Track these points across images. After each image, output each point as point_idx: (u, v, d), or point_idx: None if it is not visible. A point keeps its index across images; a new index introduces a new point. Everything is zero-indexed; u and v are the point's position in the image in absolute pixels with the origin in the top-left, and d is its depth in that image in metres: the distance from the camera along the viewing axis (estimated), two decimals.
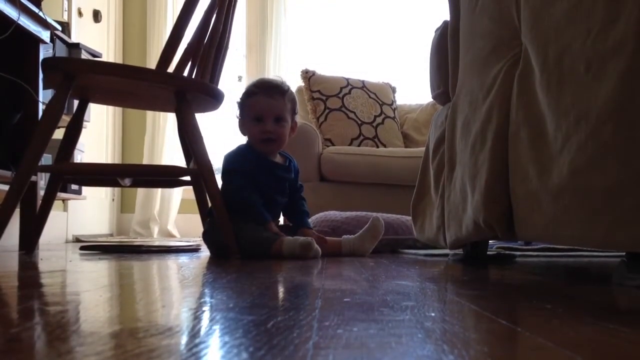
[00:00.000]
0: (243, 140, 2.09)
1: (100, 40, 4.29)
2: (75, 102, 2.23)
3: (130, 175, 2.23)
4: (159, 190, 4.61)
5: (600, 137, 0.97)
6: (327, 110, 3.67)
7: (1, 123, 2.39)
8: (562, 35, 1.09)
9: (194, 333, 0.58)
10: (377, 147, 3.61)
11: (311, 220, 2.23)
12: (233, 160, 2.01)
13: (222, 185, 2.01)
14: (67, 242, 3.57)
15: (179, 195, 4.66)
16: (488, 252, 1.83)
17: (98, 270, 1.38)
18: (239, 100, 2.06)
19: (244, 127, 2.05)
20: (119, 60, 4.66)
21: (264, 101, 1.98)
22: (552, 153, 1.10)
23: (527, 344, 0.55)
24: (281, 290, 0.99)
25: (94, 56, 3.32)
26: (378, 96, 3.79)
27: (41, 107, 2.38)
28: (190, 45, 2.02)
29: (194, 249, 2.27)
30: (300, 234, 1.99)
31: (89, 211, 4.08)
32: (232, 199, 1.94)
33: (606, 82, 0.96)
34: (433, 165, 1.82)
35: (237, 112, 2.07)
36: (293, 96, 2.06)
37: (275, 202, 2.04)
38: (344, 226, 2.27)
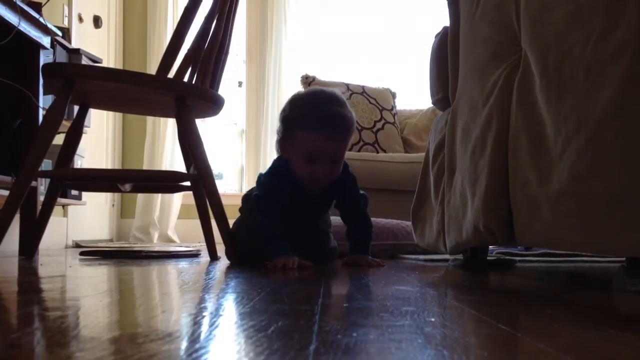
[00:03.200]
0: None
1: (100, 46, 4.29)
2: (76, 108, 2.23)
3: (130, 181, 2.23)
4: (159, 195, 4.60)
5: (600, 143, 0.97)
6: None
7: (1, 128, 2.39)
8: (562, 41, 1.10)
9: (194, 338, 0.58)
10: (377, 152, 3.61)
11: None
12: (265, 181, 1.74)
13: (252, 199, 1.76)
14: (67, 247, 3.57)
15: (179, 200, 4.66)
16: (488, 258, 1.83)
17: (98, 275, 1.38)
18: (285, 113, 1.70)
19: (286, 151, 1.71)
20: (119, 66, 4.66)
21: (323, 145, 1.62)
22: (552, 158, 1.10)
23: (527, 349, 0.55)
24: (281, 295, 0.98)
25: (95, 62, 3.33)
26: (378, 101, 3.79)
27: (41, 112, 2.38)
28: (190, 51, 2.02)
29: (194, 254, 2.27)
30: (352, 258, 1.77)
31: (88, 216, 4.08)
32: (257, 220, 1.69)
33: (606, 87, 0.96)
34: (433, 170, 1.82)
35: (279, 130, 1.73)
36: (353, 118, 1.69)
37: (306, 219, 1.84)
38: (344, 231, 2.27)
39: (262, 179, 1.77)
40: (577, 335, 0.61)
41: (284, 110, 1.71)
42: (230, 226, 1.98)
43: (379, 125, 3.71)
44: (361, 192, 1.83)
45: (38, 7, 2.39)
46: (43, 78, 1.99)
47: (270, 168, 1.77)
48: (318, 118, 1.63)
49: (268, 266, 1.56)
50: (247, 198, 1.89)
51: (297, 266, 1.54)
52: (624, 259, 1.10)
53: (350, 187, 1.79)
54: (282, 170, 1.71)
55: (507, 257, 2.03)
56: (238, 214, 1.98)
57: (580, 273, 1.60)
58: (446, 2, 1.78)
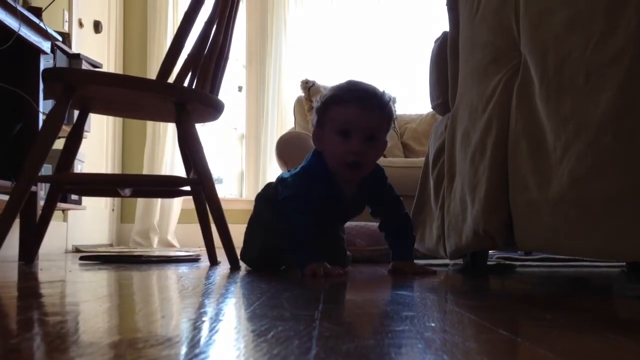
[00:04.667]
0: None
1: (100, 51, 4.30)
2: (76, 113, 2.23)
3: (130, 186, 2.23)
4: (159, 200, 4.60)
5: (600, 147, 0.97)
6: None
7: (1, 133, 2.39)
8: (562, 45, 1.10)
9: (193, 343, 0.57)
10: None
11: None
12: (295, 184, 1.62)
13: (276, 205, 1.63)
14: (66, 252, 3.57)
15: (179, 205, 4.66)
16: (488, 262, 1.83)
17: (98, 280, 1.37)
18: (317, 104, 1.63)
19: (321, 140, 1.61)
20: (119, 71, 4.66)
21: (354, 112, 1.54)
22: (551, 163, 1.11)
23: (527, 354, 0.55)
24: (281, 300, 0.98)
25: (95, 67, 3.33)
26: None
27: (41, 117, 2.38)
28: (190, 56, 2.02)
29: (194, 259, 2.26)
30: (396, 265, 1.64)
31: (88, 221, 4.07)
32: (285, 228, 1.57)
33: (605, 91, 0.96)
34: (433, 175, 1.82)
35: (314, 120, 1.65)
36: (392, 111, 1.62)
37: (333, 223, 1.77)
38: (347, 237, 2.27)
39: (290, 180, 1.65)
40: (578, 340, 0.61)
41: (317, 101, 1.65)
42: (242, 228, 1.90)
43: None
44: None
45: (38, 12, 2.39)
46: (43, 83, 1.99)
47: (302, 167, 1.66)
48: (352, 91, 1.58)
49: (304, 277, 1.44)
50: (260, 198, 1.78)
51: (326, 274, 1.43)
52: (624, 263, 1.10)
53: (387, 194, 1.72)
54: (316, 167, 1.62)
55: (507, 262, 2.02)
56: (238, 219, 1.96)
57: (580, 278, 1.60)
58: (446, 7, 1.79)
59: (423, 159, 2.03)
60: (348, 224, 1.91)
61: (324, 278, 1.39)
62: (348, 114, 1.53)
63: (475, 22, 1.52)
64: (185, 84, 2.02)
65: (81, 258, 2.21)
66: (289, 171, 1.74)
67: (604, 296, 1.09)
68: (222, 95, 2.19)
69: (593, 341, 0.61)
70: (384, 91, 1.60)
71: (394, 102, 3.94)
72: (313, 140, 1.65)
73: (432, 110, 2.45)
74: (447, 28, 1.79)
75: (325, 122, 1.59)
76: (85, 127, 2.29)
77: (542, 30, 1.18)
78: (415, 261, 1.66)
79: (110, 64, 4.50)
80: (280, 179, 1.73)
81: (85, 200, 3.59)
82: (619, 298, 1.02)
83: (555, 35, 1.12)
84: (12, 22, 2.17)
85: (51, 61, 2.80)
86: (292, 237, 1.55)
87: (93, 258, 2.17)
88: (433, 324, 0.70)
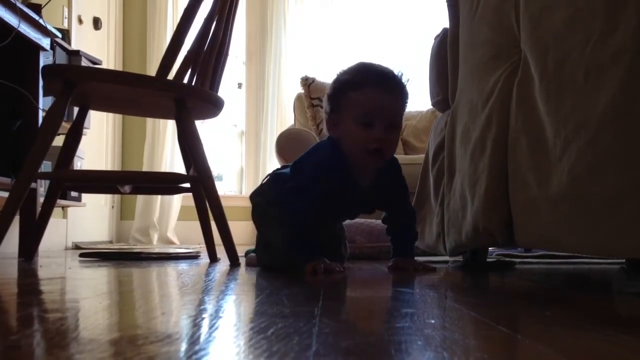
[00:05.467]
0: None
1: (100, 48, 4.29)
2: (75, 109, 2.23)
3: (130, 182, 2.23)
4: (159, 197, 4.60)
5: (600, 145, 0.97)
6: None
7: (1, 130, 2.39)
8: (562, 43, 1.10)
9: (193, 340, 0.58)
10: None
11: None
12: (307, 174, 1.52)
13: (281, 193, 1.55)
14: (66, 249, 3.57)
15: (179, 202, 4.66)
16: (488, 259, 1.83)
17: (97, 277, 1.38)
18: (331, 89, 1.54)
19: (337, 126, 1.51)
20: (119, 68, 4.66)
21: (379, 98, 1.45)
22: (551, 160, 1.10)
23: (527, 351, 0.55)
24: (281, 297, 0.98)
25: (94, 63, 3.33)
26: None
27: (41, 114, 2.38)
28: (190, 53, 2.02)
29: (194, 256, 2.27)
30: (396, 262, 1.61)
31: (88, 218, 4.07)
32: (284, 219, 1.51)
33: (605, 89, 0.96)
34: (433, 172, 1.82)
35: (326, 106, 1.55)
36: (408, 92, 1.54)
37: (340, 218, 1.71)
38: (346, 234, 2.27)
39: (305, 169, 1.55)
40: (577, 336, 0.61)
41: (329, 89, 1.55)
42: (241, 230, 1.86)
43: None
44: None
45: (38, 9, 2.39)
46: (43, 80, 1.99)
47: (318, 155, 1.55)
48: (369, 74, 1.49)
49: (305, 276, 1.38)
50: (259, 199, 1.69)
51: (325, 270, 1.40)
52: (623, 260, 1.10)
53: (400, 189, 1.63)
54: (333, 157, 1.51)
55: (507, 259, 2.02)
56: (238, 216, 1.92)
57: (579, 275, 1.60)
58: (446, 3, 1.79)
59: (423, 155, 2.03)
60: (348, 220, 1.90)
61: (324, 274, 1.38)
62: (368, 100, 1.45)
63: (475, 18, 1.52)
64: (185, 80, 2.02)
65: (81, 255, 2.21)
66: (287, 165, 1.67)
67: (604, 293, 1.10)
68: (221, 92, 2.19)
69: (593, 338, 0.61)
70: (400, 72, 1.52)
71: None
72: (327, 128, 1.55)
73: (431, 107, 2.44)
74: (447, 24, 1.79)
75: (342, 108, 1.49)
76: (85, 124, 2.29)
77: (543, 27, 1.18)
78: (415, 258, 1.64)
79: (109, 60, 4.49)
80: (276, 175, 1.67)
81: (85, 197, 3.59)
82: (619, 295, 1.02)
83: (556, 33, 1.12)
84: (11, 19, 2.17)
85: (51, 58, 2.80)
86: (291, 231, 1.49)
87: (93, 255, 2.18)
88: (433, 321, 0.70)
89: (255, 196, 1.71)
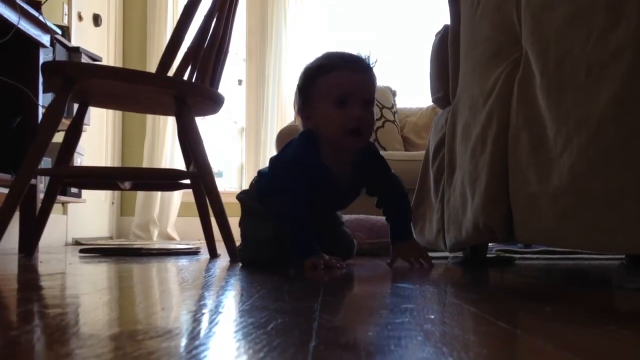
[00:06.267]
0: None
1: (100, 44, 4.29)
2: (75, 106, 2.23)
3: (130, 179, 2.23)
4: (159, 193, 4.60)
5: (601, 142, 0.97)
6: None
7: (1, 127, 2.39)
8: (563, 39, 1.10)
9: (193, 335, 0.58)
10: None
11: None
12: (281, 174, 1.54)
13: (264, 197, 1.57)
14: (66, 245, 3.57)
15: (179, 198, 4.66)
16: (487, 255, 1.83)
17: (97, 273, 1.38)
18: (300, 83, 1.56)
19: (311, 117, 1.53)
20: (119, 64, 4.66)
21: (349, 77, 1.48)
22: (552, 157, 1.10)
23: (526, 346, 0.55)
24: (281, 292, 0.98)
25: (94, 60, 3.33)
26: (378, 100, 3.78)
27: (41, 110, 2.38)
28: (190, 49, 2.02)
29: (194, 252, 2.27)
30: (396, 249, 1.59)
31: (88, 214, 4.08)
32: (276, 227, 1.51)
33: (606, 86, 0.96)
34: (433, 168, 1.82)
35: (297, 100, 1.58)
36: (375, 75, 1.56)
37: (329, 210, 1.69)
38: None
39: (277, 170, 1.57)
40: (577, 332, 0.61)
41: (299, 82, 1.57)
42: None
43: (379, 123, 3.71)
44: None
45: (38, 6, 2.39)
46: (43, 76, 1.99)
47: (290, 154, 1.55)
48: (338, 57, 1.53)
49: (305, 271, 1.36)
50: (245, 198, 1.70)
51: (325, 265, 1.38)
52: (623, 256, 1.10)
53: (383, 166, 1.63)
54: (307, 153, 1.52)
55: (507, 255, 2.02)
56: (237, 212, 1.90)
57: (579, 270, 1.60)
58: (447, 0, 1.78)
59: (423, 152, 2.02)
60: (347, 217, 1.90)
61: (324, 270, 1.37)
62: (341, 80, 1.47)
63: (476, 15, 1.51)
64: (185, 77, 2.01)
65: (81, 251, 2.21)
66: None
67: (604, 289, 1.10)
68: (222, 89, 2.19)
69: (592, 333, 0.61)
70: (368, 54, 1.55)
71: (395, 94, 3.94)
72: (302, 121, 1.57)
73: (432, 103, 2.44)
74: (448, 21, 1.79)
75: (314, 96, 1.51)
76: (85, 120, 2.29)
77: (544, 24, 1.18)
78: None
79: (109, 57, 4.49)
80: (259, 172, 1.67)
81: (85, 193, 3.59)
82: (619, 290, 1.02)
83: (557, 30, 1.12)
84: (11, 16, 2.17)
85: (50, 55, 2.79)
86: (286, 234, 1.48)
87: (93, 251, 2.18)
88: (432, 316, 0.70)
89: (240, 194, 1.73)
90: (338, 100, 1.47)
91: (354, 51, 1.56)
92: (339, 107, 1.47)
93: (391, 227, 1.63)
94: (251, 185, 1.74)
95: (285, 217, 1.48)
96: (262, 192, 1.58)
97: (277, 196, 1.51)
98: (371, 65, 1.54)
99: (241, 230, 1.70)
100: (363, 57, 1.53)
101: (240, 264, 1.66)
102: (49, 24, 2.44)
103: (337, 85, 1.47)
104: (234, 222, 2.07)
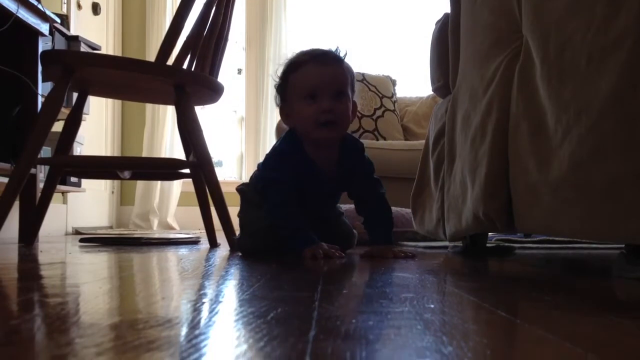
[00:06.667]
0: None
1: (99, 33, 4.27)
2: (75, 95, 2.23)
3: (130, 168, 2.23)
4: (159, 182, 4.60)
5: (601, 130, 0.97)
6: None
7: (0, 116, 2.38)
8: (563, 28, 1.09)
9: (193, 325, 0.58)
10: (377, 139, 3.60)
11: None
12: (271, 167, 1.59)
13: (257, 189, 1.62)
14: (66, 234, 3.58)
15: (179, 187, 4.66)
16: (487, 245, 1.83)
17: (98, 262, 1.38)
18: (278, 81, 1.61)
19: (289, 115, 1.58)
20: (118, 53, 4.64)
21: (316, 71, 1.52)
22: (552, 146, 1.10)
23: (526, 335, 0.55)
24: (281, 282, 0.99)
25: (93, 49, 3.32)
26: (378, 89, 3.78)
27: (40, 100, 2.37)
28: (189, 38, 2.01)
29: (194, 242, 2.27)
30: (372, 249, 1.57)
31: (88, 203, 4.08)
32: (271, 219, 1.55)
33: (607, 75, 0.96)
34: (433, 158, 1.82)
35: (277, 99, 1.62)
36: (351, 68, 1.59)
37: (317, 207, 1.68)
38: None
39: (267, 162, 1.62)
40: (576, 321, 0.61)
41: (276, 82, 1.62)
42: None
43: (379, 112, 3.70)
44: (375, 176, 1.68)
45: None
46: (42, 65, 1.98)
47: (275, 148, 1.63)
48: (305, 53, 1.58)
49: (304, 261, 1.38)
50: (245, 189, 1.73)
51: (325, 255, 1.41)
52: (623, 245, 1.11)
53: (365, 168, 1.66)
54: (290, 147, 1.57)
55: (507, 244, 2.03)
56: (237, 201, 1.92)
57: (579, 260, 1.60)
58: None
59: (423, 141, 2.02)
60: (347, 207, 1.90)
61: (323, 259, 1.38)
62: (309, 75, 1.52)
63: (476, 4, 1.51)
64: (185, 66, 2.01)
65: (81, 240, 2.21)
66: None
67: (603, 278, 1.10)
68: (221, 78, 2.18)
69: (592, 322, 0.61)
70: (337, 47, 1.59)
71: (395, 83, 3.94)
72: (283, 120, 1.62)
73: (432, 92, 2.44)
74: (448, 10, 1.78)
75: (288, 95, 1.57)
76: (84, 110, 2.29)
77: (544, 12, 1.17)
78: (414, 243, 1.65)
79: (109, 46, 4.47)
80: (258, 167, 1.71)
81: (85, 182, 3.59)
82: (618, 280, 1.02)
83: (557, 18, 1.12)
84: (10, 4, 2.16)
85: (49, 43, 2.78)
86: (282, 225, 1.51)
87: (93, 240, 2.18)
88: (432, 306, 0.70)
89: (240, 185, 1.77)
90: (308, 95, 1.52)
91: (329, 46, 1.59)
92: (309, 102, 1.52)
93: (373, 231, 1.63)
94: (251, 178, 1.76)
95: (282, 207, 1.53)
96: (257, 184, 1.62)
97: (269, 187, 1.56)
98: (341, 57, 1.57)
99: (240, 220, 1.73)
100: (331, 50, 1.57)
101: (240, 254, 1.66)
102: (47, 12, 2.43)
103: (306, 80, 1.52)
104: (233, 211, 2.08)
